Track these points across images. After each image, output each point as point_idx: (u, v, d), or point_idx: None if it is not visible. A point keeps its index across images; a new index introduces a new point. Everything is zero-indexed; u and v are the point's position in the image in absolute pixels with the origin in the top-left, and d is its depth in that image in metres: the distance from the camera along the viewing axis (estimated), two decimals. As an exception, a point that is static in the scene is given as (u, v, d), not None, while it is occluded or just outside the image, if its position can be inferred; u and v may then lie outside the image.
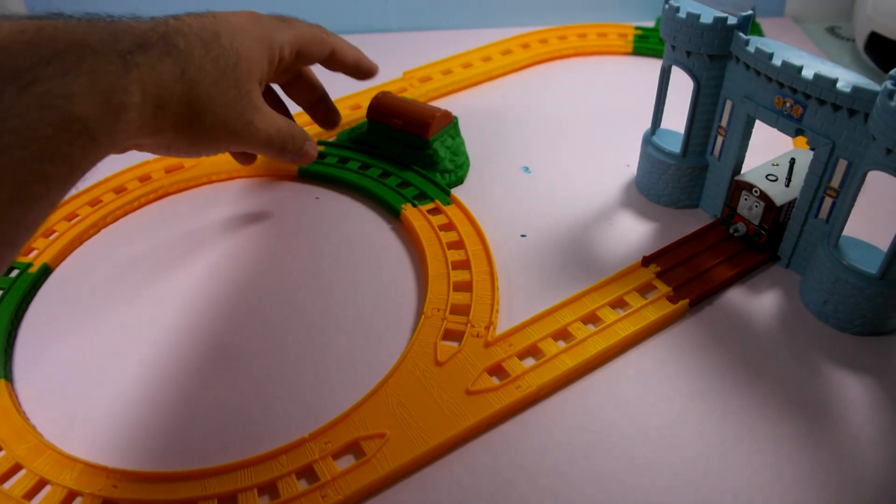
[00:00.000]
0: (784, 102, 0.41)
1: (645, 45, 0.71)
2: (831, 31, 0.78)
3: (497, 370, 0.39)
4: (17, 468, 0.34)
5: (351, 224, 0.50)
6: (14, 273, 0.45)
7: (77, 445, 0.35)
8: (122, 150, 0.35)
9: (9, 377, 0.39)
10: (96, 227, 0.49)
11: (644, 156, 0.51)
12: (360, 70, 0.50)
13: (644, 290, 0.44)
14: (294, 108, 0.51)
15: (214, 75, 0.36)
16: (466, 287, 0.43)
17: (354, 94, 0.63)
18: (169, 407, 0.37)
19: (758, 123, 0.44)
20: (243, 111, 0.39)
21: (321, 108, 0.51)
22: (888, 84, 0.35)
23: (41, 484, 0.33)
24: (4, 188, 0.25)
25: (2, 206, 0.25)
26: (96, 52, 0.29)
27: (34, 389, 0.38)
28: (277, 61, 0.42)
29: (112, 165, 0.54)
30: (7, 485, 0.33)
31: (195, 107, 0.36)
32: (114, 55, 0.30)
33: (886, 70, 0.66)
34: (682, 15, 0.43)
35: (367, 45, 0.73)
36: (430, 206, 0.50)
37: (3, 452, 0.34)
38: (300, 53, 0.44)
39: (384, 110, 0.54)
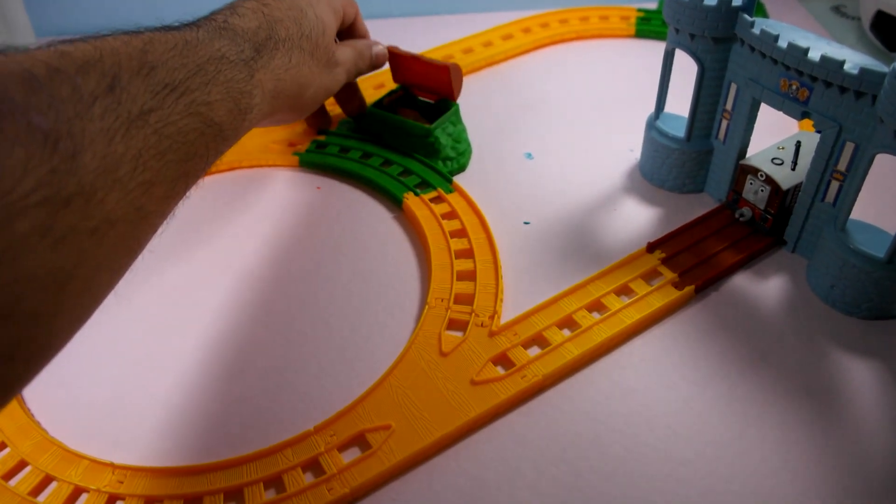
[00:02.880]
0: (790, 85, 0.40)
1: (647, 27, 0.71)
2: (836, 9, 0.77)
3: (502, 360, 0.38)
4: (22, 465, 0.34)
5: (353, 213, 0.49)
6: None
7: (82, 441, 0.35)
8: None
9: (13, 373, 0.39)
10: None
11: (648, 140, 0.51)
12: (357, 29, 0.53)
13: (649, 276, 0.43)
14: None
15: (310, 49, 0.41)
16: (470, 276, 0.43)
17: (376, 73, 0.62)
18: (174, 402, 0.37)
19: (763, 106, 0.43)
20: (332, 70, 0.45)
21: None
22: (896, 65, 0.34)
23: (47, 480, 0.33)
24: (161, 187, 0.27)
25: (158, 203, 0.27)
26: (230, 64, 0.33)
27: (39, 386, 0.38)
28: (342, 18, 0.48)
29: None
30: (13, 481, 0.33)
31: (302, 85, 0.41)
32: (241, 64, 0.34)
33: (892, 48, 0.65)
34: (685, -3, 0.43)
35: (369, 31, 0.73)
36: (433, 194, 0.49)
37: (8, 449, 0.34)
38: (345, 16, 0.49)
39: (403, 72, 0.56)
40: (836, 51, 0.38)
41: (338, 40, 0.50)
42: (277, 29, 0.38)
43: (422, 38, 0.69)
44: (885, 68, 0.36)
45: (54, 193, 0.21)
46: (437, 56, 0.65)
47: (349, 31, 0.51)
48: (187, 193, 0.30)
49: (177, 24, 0.34)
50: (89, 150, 0.23)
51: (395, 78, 0.56)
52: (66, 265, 0.22)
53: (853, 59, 0.37)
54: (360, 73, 0.51)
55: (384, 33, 0.72)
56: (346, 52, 0.48)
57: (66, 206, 0.21)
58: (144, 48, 0.28)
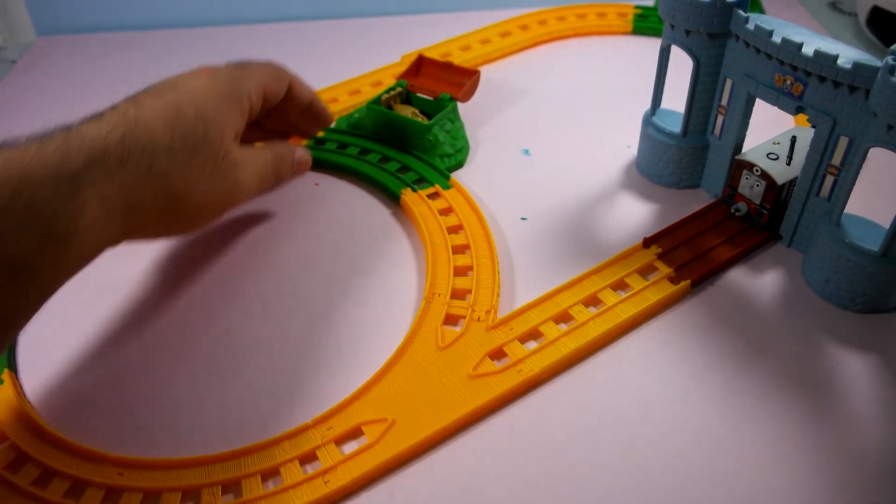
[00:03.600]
0: (784, 80, 0.41)
1: (644, 24, 0.71)
2: (833, 5, 0.77)
3: (499, 354, 0.39)
4: (23, 458, 0.34)
5: (351, 209, 0.50)
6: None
7: (81, 434, 0.35)
8: (102, 252, 0.34)
9: (13, 367, 0.39)
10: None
11: (644, 136, 0.51)
12: (315, 110, 0.47)
13: (645, 271, 0.43)
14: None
15: (186, 155, 0.35)
16: (467, 271, 0.43)
17: (353, 79, 0.63)
18: (172, 395, 0.38)
19: (758, 102, 0.44)
20: (226, 175, 0.38)
21: (309, 116, 0.48)
22: (889, 60, 0.35)
23: (47, 473, 0.33)
24: None
25: None
26: (38, 183, 0.29)
27: (38, 379, 0.39)
28: (248, 111, 0.40)
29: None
30: (13, 474, 0.33)
31: (173, 196, 0.35)
32: (60, 180, 0.30)
33: (888, 44, 0.65)
34: (680, -7, 0.43)
35: (366, 30, 0.73)
36: (430, 190, 0.49)
37: (8, 442, 0.35)
38: (266, 96, 0.42)
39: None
40: (830, 46, 0.39)
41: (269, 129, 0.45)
42: (138, 132, 0.33)
43: (420, 35, 0.70)
44: (878, 63, 0.36)
45: None
46: (435, 53, 0.65)
47: (285, 107, 0.45)
48: (16, 331, 0.29)
49: (22, 138, 0.31)
50: None
51: (413, 82, 0.58)
52: None
53: (847, 54, 0.38)
54: (281, 179, 0.44)
55: (382, 32, 0.73)
56: (257, 155, 0.41)
57: None
58: None
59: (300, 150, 0.45)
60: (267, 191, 0.43)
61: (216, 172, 0.37)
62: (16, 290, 0.29)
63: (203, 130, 0.36)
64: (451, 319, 0.41)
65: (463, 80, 0.57)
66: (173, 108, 0.35)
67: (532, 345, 0.39)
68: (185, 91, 0.36)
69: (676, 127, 0.48)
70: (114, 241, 0.33)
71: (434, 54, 0.66)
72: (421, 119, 0.54)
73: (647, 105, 0.51)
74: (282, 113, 0.46)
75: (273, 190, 0.44)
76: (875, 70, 0.36)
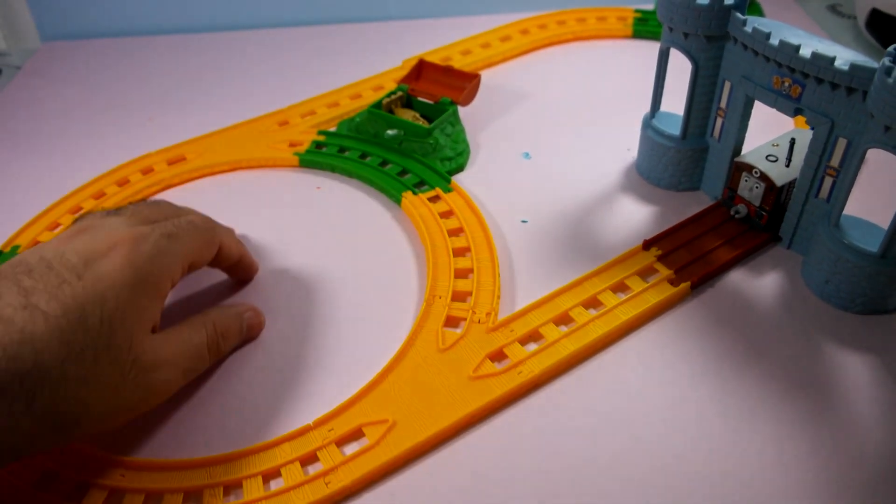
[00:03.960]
0: (782, 82, 0.41)
1: (644, 27, 0.71)
2: (832, 8, 0.77)
3: (499, 356, 0.39)
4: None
5: (352, 213, 0.50)
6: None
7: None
8: None
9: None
10: (99, 222, 0.50)
11: (644, 139, 0.51)
12: (242, 265, 0.43)
13: (645, 273, 0.44)
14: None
15: (81, 377, 0.29)
16: (468, 274, 0.43)
17: (354, 83, 0.63)
18: (174, 397, 0.38)
19: (757, 104, 0.44)
20: (136, 385, 0.31)
21: (237, 268, 0.43)
22: (886, 61, 0.35)
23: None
24: None
25: None
26: None
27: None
28: (168, 291, 0.35)
29: (115, 158, 0.55)
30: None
31: (64, 423, 0.29)
32: None
33: (888, 46, 0.65)
34: (678, -4, 0.43)
35: (366, 35, 0.74)
36: (431, 193, 0.50)
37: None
38: (191, 267, 0.37)
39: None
40: (828, 48, 0.39)
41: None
42: (23, 355, 0.27)
43: (421, 40, 0.70)
44: (875, 64, 0.36)
45: None
46: (436, 58, 0.66)
47: (212, 264, 0.40)
48: None
49: None
50: None
51: (414, 86, 0.58)
52: None
53: (844, 56, 0.38)
54: (222, 352, 0.38)
55: (383, 37, 0.73)
56: (181, 346, 0.35)
57: None
58: None
59: (249, 313, 0.40)
60: (200, 370, 0.37)
61: (122, 385, 0.31)
62: None
63: (107, 338, 0.30)
64: (451, 321, 0.41)
65: (464, 84, 0.57)
66: (75, 312, 0.29)
67: (532, 347, 0.39)
68: (95, 280, 0.30)
69: (676, 129, 0.49)
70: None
71: (435, 58, 0.66)
72: (422, 123, 0.54)
73: (647, 108, 0.51)
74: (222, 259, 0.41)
75: (212, 362, 0.38)
76: (872, 71, 0.36)
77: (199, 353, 0.36)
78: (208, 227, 0.38)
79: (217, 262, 0.40)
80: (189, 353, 0.35)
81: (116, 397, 0.31)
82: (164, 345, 0.33)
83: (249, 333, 0.40)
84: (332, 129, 0.58)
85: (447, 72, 0.59)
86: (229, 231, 0.42)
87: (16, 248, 0.47)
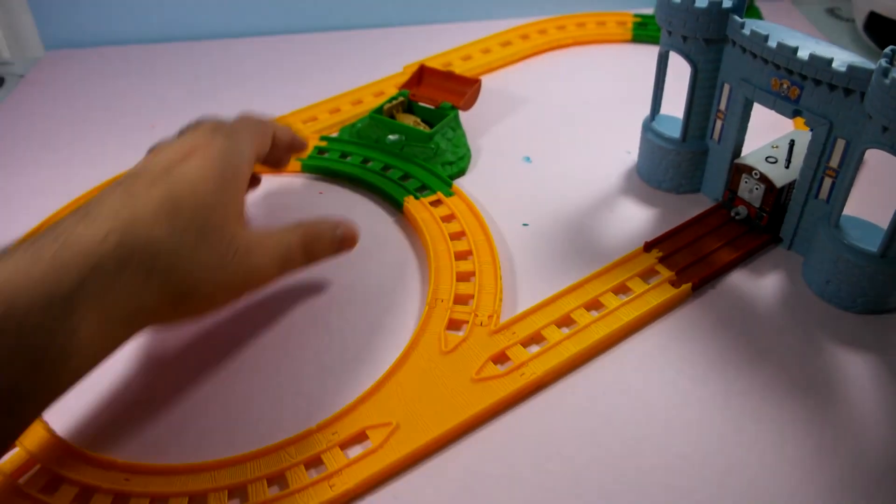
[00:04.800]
0: (781, 84, 0.41)
1: (644, 32, 0.71)
2: (831, 11, 0.78)
3: (501, 358, 0.39)
4: (31, 463, 0.34)
5: (354, 217, 0.50)
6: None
7: (89, 440, 0.36)
8: (105, 359, 0.32)
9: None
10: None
11: (644, 142, 0.51)
12: (295, 146, 0.46)
13: (646, 275, 0.44)
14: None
15: (189, 249, 0.32)
16: (470, 277, 0.44)
17: (355, 89, 0.63)
18: (178, 401, 0.38)
19: (756, 106, 0.44)
20: (237, 264, 0.35)
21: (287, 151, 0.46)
22: (883, 62, 0.35)
23: (56, 480, 0.34)
24: None
25: None
26: (26, 309, 0.27)
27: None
28: (246, 185, 0.38)
29: (119, 165, 0.55)
30: (22, 480, 0.34)
31: (180, 294, 0.32)
32: (51, 303, 0.27)
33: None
34: (676, 0, 0.43)
35: (367, 41, 0.74)
36: (433, 197, 0.50)
37: (17, 449, 0.35)
38: (259, 156, 0.41)
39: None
40: (825, 49, 0.39)
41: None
42: (136, 232, 0.30)
43: (421, 46, 0.70)
44: (872, 65, 0.37)
45: None
46: (437, 63, 0.66)
47: (274, 152, 0.44)
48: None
49: (15, 244, 0.29)
50: None
51: (415, 91, 0.58)
52: None
53: (841, 57, 0.38)
54: (316, 256, 0.40)
55: (383, 43, 0.73)
56: (276, 238, 0.38)
57: None
58: None
59: (344, 226, 0.42)
60: (299, 270, 0.40)
61: (224, 263, 0.34)
62: (20, 415, 0.28)
63: (203, 221, 0.33)
64: (454, 324, 0.41)
65: (464, 88, 0.57)
66: (169, 200, 0.32)
67: (534, 348, 0.39)
68: (180, 180, 0.33)
69: (676, 132, 0.49)
70: (116, 346, 0.31)
71: (435, 64, 0.66)
72: (423, 128, 0.55)
73: (647, 111, 0.51)
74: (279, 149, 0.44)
75: (311, 266, 0.41)
76: (869, 73, 0.36)
77: (291, 249, 0.38)
78: (260, 120, 0.42)
79: (273, 151, 0.43)
80: (281, 247, 0.38)
81: (219, 273, 0.34)
82: (257, 235, 0.37)
83: (342, 245, 0.42)
84: (334, 134, 0.58)
85: (448, 77, 0.59)
86: (275, 122, 0.45)
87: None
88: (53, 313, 0.27)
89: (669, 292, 0.42)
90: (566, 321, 0.41)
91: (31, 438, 0.35)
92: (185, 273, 0.32)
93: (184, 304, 0.33)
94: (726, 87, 0.45)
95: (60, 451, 0.35)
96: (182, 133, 0.38)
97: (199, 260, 0.33)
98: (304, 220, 0.40)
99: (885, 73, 0.34)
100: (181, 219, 0.32)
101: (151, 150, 0.37)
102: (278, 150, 0.44)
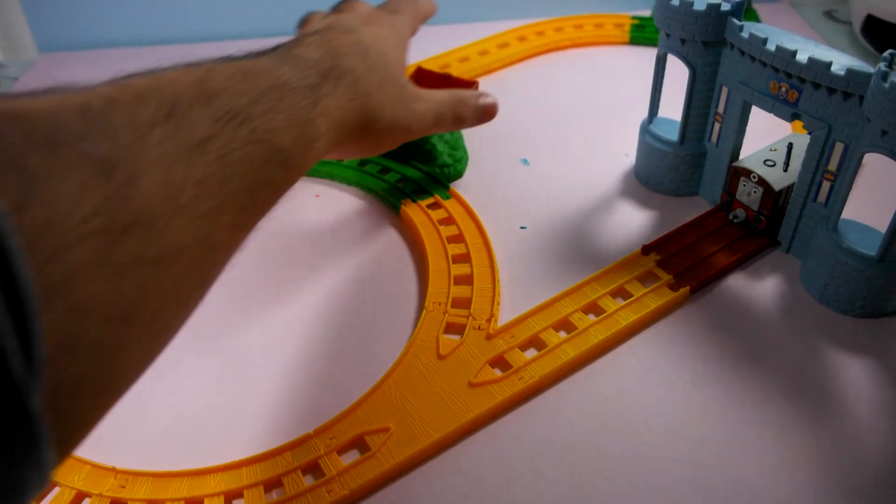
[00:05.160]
0: (779, 87, 0.41)
1: (642, 34, 0.71)
2: (828, 14, 0.78)
3: (499, 362, 0.39)
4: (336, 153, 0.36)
5: (351, 220, 0.50)
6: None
7: (84, 447, 0.35)
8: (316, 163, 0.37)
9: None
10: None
11: (642, 144, 0.51)
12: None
13: (645, 278, 0.44)
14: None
15: (376, 81, 0.38)
16: (467, 280, 0.43)
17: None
18: (174, 406, 0.38)
19: (755, 109, 0.44)
20: (406, 103, 0.41)
21: None
22: (881, 66, 0.35)
23: (50, 485, 0.34)
24: (228, 216, 0.26)
25: (226, 232, 0.27)
26: (293, 90, 0.31)
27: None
28: (408, 51, 0.45)
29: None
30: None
31: (369, 116, 0.38)
32: (305, 90, 0.32)
33: (883, 52, 0.65)
34: (675, 2, 0.43)
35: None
36: (430, 200, 0.50)
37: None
38: (414, 31, 0.46)
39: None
40: (824, 53, 0.39)
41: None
42: (341, 60, 0.36)
43: (419, 48, 0.70)
44: (871, 69, 0.36)
45: (112, 220, 0.20)
46: (434, 65, 0.66)
47: None
48: (258, 224, 0.30)
49: (238, 54, 0.33)
50: (147, 177, 0.22)
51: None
52: (130, 296, 0.21)
53: (840, 61, 0.38)
54: (462, 119, 0.46)
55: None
56: (433, 94, 0.44)
57: (124, 234, 0.21)
58: (204, 77, 0.28)
59: (487, 97, 0.47)
60: (446, 129, 0.46)
61: (399, 102, 0.40)
62: (284, 183, 0.31)
63: (385, 65, 0.39)
64: (451, 328, 0.41)
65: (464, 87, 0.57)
66: (360, 45, 0.38)
67: (532, 352, 0.39)
68: (363, 34, 0.39)
69: (674, 135, 0.49)
70: (326, 153, 0.35)
71: (433, 66, 0.66)
72: None
73: (645, 113, 0.51)
74: None
75: (455, 129, 0.47)
76: (868, 76, 0.36)
77: (444, 106, 0.44)
78: (413, 2, 0.47)
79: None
80: (435, 103, 0.44)
81: (395, 109, 0.40)
82: (420, 89, 0.43)
83: (485, 115, 0.47)
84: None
85: (445, 79, 0.59)
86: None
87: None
88: (309, 100, 0.32)
89: (668, 295, 0.42)
90: (564, 325, 0.41)
91: (26, 444, 0.35)
92: (374, 101, 0.38)
93: (368, 128, 0.38)
94: (724, 90, 0.45)
95: (55, 456, 0.35)
96: (337, 7, 0.44)
97: (383, 94, 0.39)
98: (450, 88, 0.46)
99: (884, 76, 0.34)
100: (371, 60, 0.38)
101: (304, 20, 0.44)
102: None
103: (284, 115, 0.30)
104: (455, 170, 0.54)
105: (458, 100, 0.45)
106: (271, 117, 0.29)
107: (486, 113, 0.47)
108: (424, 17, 0.48)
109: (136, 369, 0.23)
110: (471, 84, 0.57)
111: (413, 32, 0.46)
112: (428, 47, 0.70)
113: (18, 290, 0.16)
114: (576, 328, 0.40)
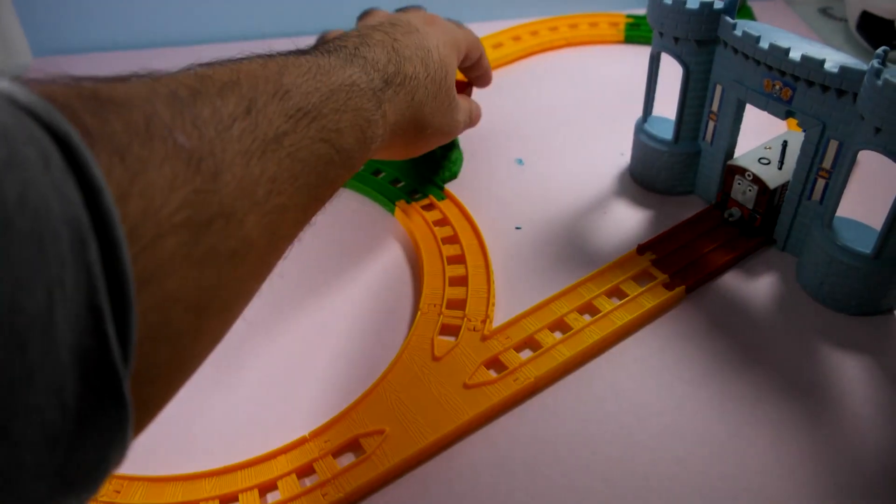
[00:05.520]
0: (773, 85, 0.41)
1: (636, 33, 0.71)
2: (824, 11, 0.77)
3: (494, 363, 0.39)
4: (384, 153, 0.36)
5: (346, 221, 0.50)
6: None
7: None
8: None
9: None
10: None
11: (637, 143, 0.51)
12: (484, 79, 0.53)
13: (640, 278, 0.44)
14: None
15: (433, 90, 0.40)
16: (462, 281, 0.43)
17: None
18: (168, 410, 0.37)
19: (749, 107, 0.44)
20: (451, 113, 0.43)
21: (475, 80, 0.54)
22: (875, 63, 0.35)
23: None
24: (293, 212, 0.27)
25: (289, 227, 0.27)
26: (360, 92, 0.32)
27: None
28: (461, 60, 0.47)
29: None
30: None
31: (419, 123, 0.40)
32: (370, 93, 0.33)
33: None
34: (668, 1, 0.43)
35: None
36: (424, 201, 0.50)
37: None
38: (467, 56, 0.47)
39: None
40: (818, 50, 0.39)
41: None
42: (405, 66, 0.37)
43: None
44: (864, 66, 0.36)
45: (197, 213, 0.21)
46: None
47: (469, 69, 0.51)
48: (313, 220, 0.31)
49: (308, 48, 0.34)
50: (228, 171, 0.23)
51: None
52: (208, 286, 0.21)
53: (833, 58, 0.38)
54: (468, 126, 0.49)
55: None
56: (463, 102, 0.47)
57: (208, 227, 0.21)
58: (280, 71, 0.28)
59: (476, 105, 0.50)
60: (462, 130, 0.48)
61: (447, 110, 0.42)
62: (341, 180, 0.32)
63: (443, 73, 0.41)
64: (446, 329, 0.41)
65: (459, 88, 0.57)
66: (423, 49, 0.39)
67: (528, 353, 0.39)
68: (426, 36, 0.40)
69: (668, 134, 0.49)
70: (376, 153, 0.36)
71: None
72: None
73: (640, 112, 0.51)
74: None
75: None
76: (861, 73, 0.36)
77: (465, 115, 0.46)
78: (476, 35, 0.49)
79: (472, 71, 0.51)
80: (466, 109, 0.47)
81: (442, 117, 0.42)
82: (458, 96, 0.45)
83: (476, 121, 0.50)
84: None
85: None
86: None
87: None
88: (373, 103, 0.33)
89: (663, 295, 0.42)
90: (560, 325, 0.41)
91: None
92: (427, 108, 0.39)
93: (417, 133, 0.40)
94: (718, 88, 0.45)
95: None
96: (404, 9, 0.46)
97: (437, 102, 0.40)
98: (464, 97, 0.47)
99: (878, 73, 0.34)
100: (431, 67, 0.39)
101: (366, 13, 0.45)
102: (474, 71, 0.51)
103: (350, 115, 0.31)
104: (450, 171, 0.53)
105: (472, 108, 0.48)
106: (339, 117, 0.30)
107: (477, 119, 0.50)
108: (474, 50, 0.49)
109: (202, 357, 0.24)
110: (465, 86, 0.56)
111: (464, 54, 0.47)
112: (422, 48, 0.70)
113: (120, 279, 0.17)
114: (571, 328, 0.40)
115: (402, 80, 0.37)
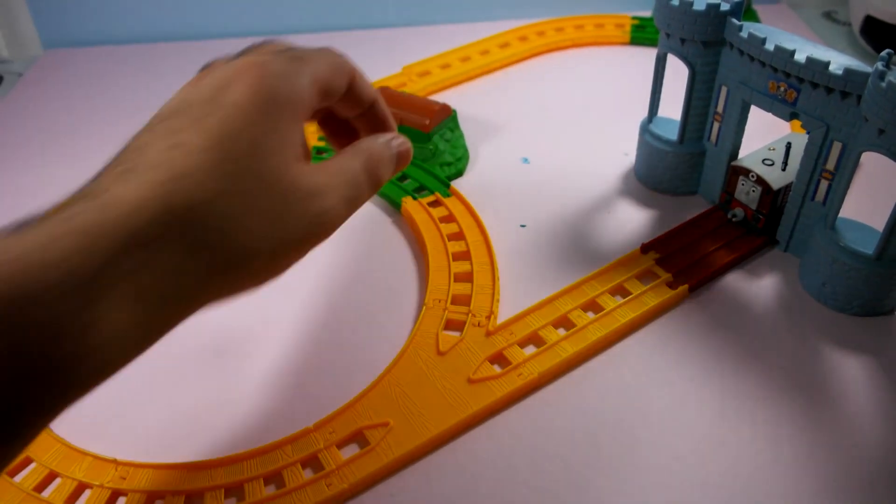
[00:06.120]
0: (778, 87, 0.41)
1: (642, 34, 0.72)
2: (827, 15, 0.78)
3: (498, 358, 0.39)
4: (27, 461, 0.34)
5: (352, 218, 0.50)
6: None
7: (85, 438, 0.36)
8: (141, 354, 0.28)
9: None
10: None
11: (641, 144, 0.51)
12: (377, 113, 0.36)
13: (643, 276, 0.44)
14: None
15: (245, 206, 0.27)
16: (467, 277, 0.44)
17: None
18: (175, 400, 0.38)
19: (754, 108, 0.44)
20: (301, 213, 0.29)
21: (368, 120, 0.36)
22: (879, 65, 0.35)
23: (51, 476, 0.34)
24: None
25: None
26: (33, 300, 0.22)
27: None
28: (306, 115, 0.31)
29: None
30: (17, 478, 0.34)
31: (238, 259, 0.27)
32: (70, 290, 0.23)
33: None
34: (674, 2, 0.44)
35: (367, 41, 0.74)
36: (431, 198, 0.50)
37: (13, 448, 0.35)
38: (326, 92, 0.32)
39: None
40: (822, 53, 0.39)
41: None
42: (183, 190, 0.25)
43: (421, 47, 0.70)
44: (868, 69, 0.37)
45: None
46: (435, 64, 0.66)
47: (342, 106, 0.34)
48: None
49: (38, 214, 0.25)
50: None
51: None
52: None
53: (838, 61, 0.38)
54: (381, 181, 0.33)
55: (383, 44, 0.74)
56: (339, 172, 0.31)
57: None
58: None
59: (397, 139, 0.34)
60: (365, 201, 0.33)
61: (287, 214, 0.28)
62: (32, 415, 0.24)
63: (258, 165, 0.27)
64: (451, 325, 0.41)
65: (429, 111, 0.54)
66: (219, 143, 0.27)
67: (531, 349, 0.40)
68: (229, 113, 0.28)
69: (673, 134, 0.49)
70: (155, 338, 0.27)
71: (434, 65, 0.67)
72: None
73: (645, 113, 0.52)
74: (336, 112, 0.36)
75: (373, 194, 0.34)
76: (865, 76, 0.36)
77: (357, 180, 0.32)
78: (339, 53, 0.34)
79: (349, 103, 0.34)
80: (347, 179, 0.31)
81: (283, 229, 0.28)
82: (319, 171, 0.30)
83: (402, 161, 0.34)
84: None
85: (408, 100, 0.54)
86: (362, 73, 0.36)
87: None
88: (70, 305, 0.23)
89: (666, 294, 0.42)
90: (563, 322, 0.41)
91: (28, 436, 0.35)
92: (241, 238, 0.27)
93: (240, 275, 0.28)
94: (724, 90, 0.46)
95: (57, 448, 0.35)
96: (244, 52, 0.32)
97: (257, 218, 0.27)
98: (359, 142, 0.33)
99: (882, 76, 0.35)
100: (234, 168, 0.27)
101: (204, 69, 0.32)
102: (354, 103, 0.35)
103: (9, 338, 0.22)
104: (456, 168, 0.54)
105: (373, 161, 0.32)
106: None
107: (403, 158, 0.35)
108: (337, 78, 0.33)
109: None
110: (433, 107, 0.53)
111: (311, 96, 0.30)
112: (429, 46, 0.70)
113: None
114: (575, 326, 0.40)
115: (170, 223, 0.25)
